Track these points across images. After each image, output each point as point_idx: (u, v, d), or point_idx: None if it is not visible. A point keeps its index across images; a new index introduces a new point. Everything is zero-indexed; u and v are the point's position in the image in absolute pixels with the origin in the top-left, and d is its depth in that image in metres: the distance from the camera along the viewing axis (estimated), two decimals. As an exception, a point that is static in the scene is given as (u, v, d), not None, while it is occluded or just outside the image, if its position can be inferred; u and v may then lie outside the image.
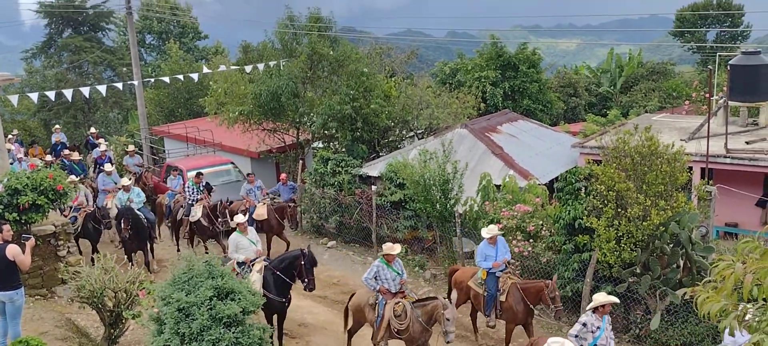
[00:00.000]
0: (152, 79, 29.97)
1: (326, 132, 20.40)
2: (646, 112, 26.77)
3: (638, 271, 11.38)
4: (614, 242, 11.21)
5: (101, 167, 19.37)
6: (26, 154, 21.67)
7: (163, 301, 4.89)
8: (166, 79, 26.62)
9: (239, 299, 4.94)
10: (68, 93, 22.90)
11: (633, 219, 11.05)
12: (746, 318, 3.98)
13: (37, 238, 11.38)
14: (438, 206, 14.75)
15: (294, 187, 18.29)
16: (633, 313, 11.67)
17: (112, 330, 10.36)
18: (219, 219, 15.38)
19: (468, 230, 14.47)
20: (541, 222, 13.17)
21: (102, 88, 23.53)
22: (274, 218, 15.81)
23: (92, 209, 16.11)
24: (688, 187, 13.50)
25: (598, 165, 12.14)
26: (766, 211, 16.62)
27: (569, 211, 12.29)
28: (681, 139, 17.00)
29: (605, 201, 11.41)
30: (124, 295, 10.05)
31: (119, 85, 26.53)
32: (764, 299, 3.83)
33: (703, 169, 15.68)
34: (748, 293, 3.84)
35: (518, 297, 10.77)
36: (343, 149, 19.64)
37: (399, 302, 10.08)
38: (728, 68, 18.73)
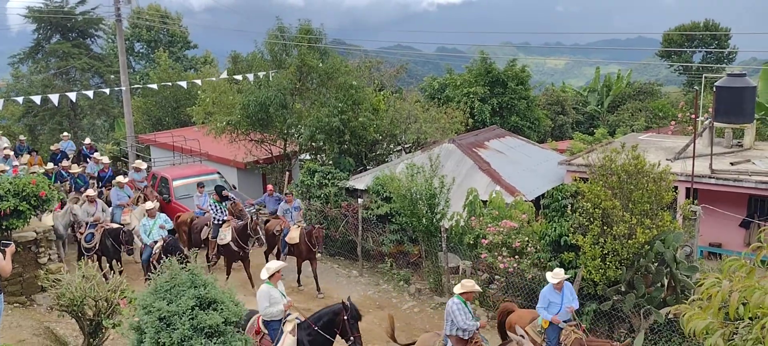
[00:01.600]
0: (140, 87, 29.81)
1: (314, 144, 20.35)
2: (633, 131, 26.98)
3: (623, 289, 11.40)
4: (599, 259, 11.23)
5: (102, 183, 18.48)
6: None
7: (144, 310, 4.80)
8: (154, 86, 26.48)
9: (222, 309, 4.86)
10: (55, 98, 22.68)
11: (618, 237, 11.08)
12: (733, 338, 3.97)
13: (17, 244, 11.22)
14: (424, 220, 14.72)
15: (280, 198, 18.17)
16: (617, 331, 11.67)
17: (91, 340, 10.20)
18: (249, 239, 14.48)
19: (454, 245, 14.44)
20: (526, 239, 13.17)
21: (89, 94, 23.29)
22: (304, 243, 14.62)
23: (110, 224, 15.23)
24: (674, 206, 13.58)
25: (584, 183, 12.18)
26: (749, 231, 16.74)
27: (555, 228, 12.31)
28: (667, 159, 17.12)
29: (591, 219, 11.43)
30: (105, 304, 9.91)
31: (106, 91, 26.35)
32: (750, 318, 3.82)
33: (688, 189, 15.78)
34: (734, 312, 3.84)
35: None
36: (330, 162, 19.59)
37: None
38: (714, 90, 18.92)
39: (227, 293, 5.12)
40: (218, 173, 20.71)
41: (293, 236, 14.78)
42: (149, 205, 14.59)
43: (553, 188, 13.47)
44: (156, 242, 13.57)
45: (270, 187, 18.21)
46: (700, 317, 4.10)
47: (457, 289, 9.23)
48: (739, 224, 16.84)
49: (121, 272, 13.95)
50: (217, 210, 15.18)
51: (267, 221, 15.75)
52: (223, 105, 20.91)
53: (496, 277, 14.19)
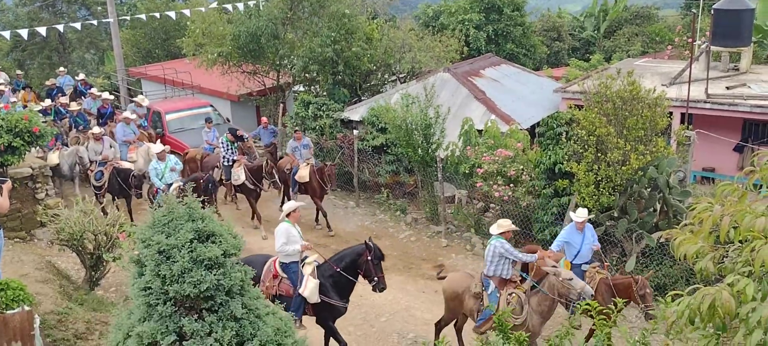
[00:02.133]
0: (128, 18, 29.22)
1: (307, 75, 20.15)
2: (629, 56, 26.75)
3: (616, 215, 11.55)
4: (593, 186, 11.33)
5: (103, 120, 17.89)
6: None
7: (143, 243, 4.84)
8: (143, 16, 25.98)
9: (220, 241, 4.91)
10: (42, 31, 22.23)
11: (612, 164, 11.15)
12: (723, 262, 4.05)
13: (14, 180, 11.22)
14: (420, 150, 14.76)
15: (275, 131, 18.14)
16: (609, 255, 11.88)
17: (93, 272, 10.37)
18: (264, 180, 14.35)
19: (449, 175, 14.52)
20: (521, 167, 13.25)
21: (77, 26, 22.80)
22: (316, 181, 14.42)
23: (120, 163, 14.99)
24: (668, 132, 13.61)
25: (579, 110, 12.16)
26: (743, 156, 16.84)
27: (550, 156, 12.37)
28: (662, 84, 17.07)
29: (585, 146, 11.47)
30: (105, 238, 10.02)
31: (94, 23, 25.85)
32: (740, 242, 3.89)
33: (683, 115, 15.79)
34: (725, 236, 3.90)
35: (608, 295, 8.88)
36: (325, 93, 19.45)
37: (513, 292, 8.74)
38: (712, 12, 18.68)
39: (225, 225, 5.16)
40: (211, 105, 20.58)
41: (303, 174, 14.55)
42: (158, 147, 14.24)
43: (548, 116, 13.46)
44: (170, 185, 13.22)
45: (264, 119, 18.13)
46: (691, 241, 4.17)
47: (495, 229, 9.03)
48: (732, 149, 16.94)
49: (130, 212, 14.13)
50: (228, 149, 14.91)
51: (279, 159, 15.57)
52: (213, 36, 20.57)
53: (492, 205, 14.35)
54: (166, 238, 4.79)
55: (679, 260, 4.30)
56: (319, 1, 19.29)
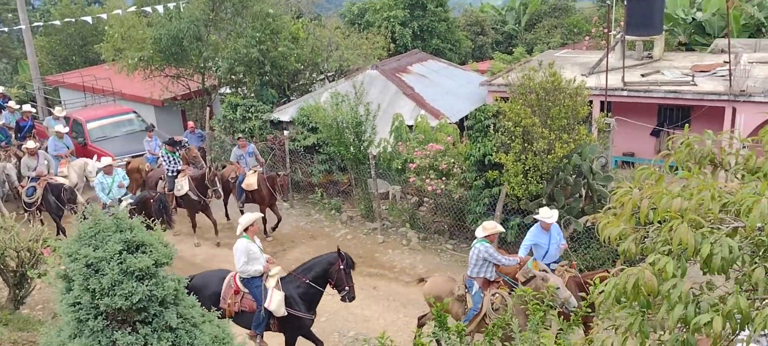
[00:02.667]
0: (41, 25, 27.97)
1: (233, 77, 19.81)
2: (549, 48, 27.58)
3: (544, 202, 11.90)
4: (522, 175, 11.64)
5: (22, 134, 16.96)
6: None
7: (70, 258, 4.67)
8: (57, 22, 24.92)
9: (151, 251, 4.79)
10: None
11: (539, 153, 11.48)
12: (645, 242, 4.24)
13: None
14: (352, 148, 14.78)
15: (202, 135, 17.76)
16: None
17: (17, 291, 9.92)
18: (209, 190, 13.61)
19: (382, 172, 14.61)
20: (452, 160, 13.46)
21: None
22: (266, 189, 13.98)
23: (53, 178, 14.14)
24: (589, 120, 14.13)
25: (505, 102, 12.47)
26: (659, 140, 17.67)
27: (479, 148, 12.62)
28: (582, 74, 17.70)
29: (513, 137, 11.77)
30: (28, 254, 9.60)
31: (5, 30, 24.62)
32: (659, 222, 4.08)
33: (602, 103, 16.42)
34: (645, 217, 4.09)
35: (578, 293, 8.69)
36: (252, 94, 19.18)
37: (496, 293, 8.64)
38: (625, 3, 19.49)
39: (155, 235, 5.03)
40: (134, 112, 19.96)
41: (250, 182, 14.06)
42: (106, 161, 13.29)
43: (475, 109, 13.73)
44: (120, 201, 12.51)
45: (191, 123, 17.71)
46: (614, 224, 4.35)
47: (480, 233, 8.87)
48: (650, 133, 17.74)
49: (60, 229, 13.46)
50: (169, 161, 14.19)
51: (223, 167, 15.00)
52: (133, 40, 19.94)
53: (425, 199, 14.54)
54: (94, 250, 4.64)
55: (605, 242, 4.49)
56: (241, 1, 19.00)
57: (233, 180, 14.39)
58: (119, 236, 4.73)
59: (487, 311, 8.54)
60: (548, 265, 9.29)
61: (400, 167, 14.15)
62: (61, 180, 14.34)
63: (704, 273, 3.83)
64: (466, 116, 15.10)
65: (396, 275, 12.46)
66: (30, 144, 14.69)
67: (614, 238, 4.29)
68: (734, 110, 15.54)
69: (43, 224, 11.57)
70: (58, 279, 4.76)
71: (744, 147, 4.78)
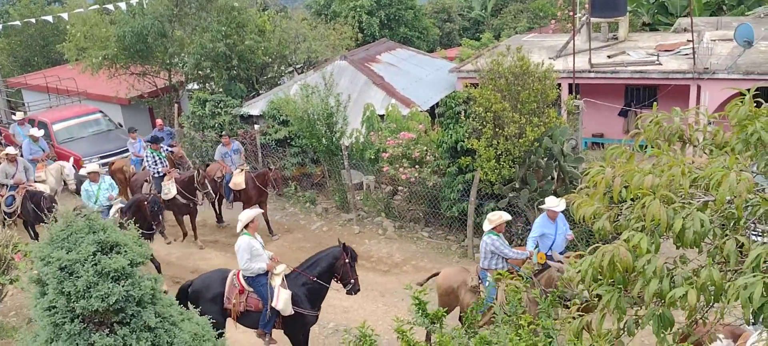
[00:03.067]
0: (0, 26, 27.29)
1: (200, 72, 19.58)
2: (517, 33, 27.77)
3: (517, 186, 12.02)
4: (494, 160, 11.72)
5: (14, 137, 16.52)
6: None
7: (43, 262, 4.59)
8: (17, 23, 24.34)
9: (126, 251, 4.72)
10: None
11: (510, 137, 11.57)
12: (618, 219, 4.32)
13: None
14: (324, 140, 14.73)
15: (172, 132, 17.54)
16: (514, 225, 12.36)
17: (-13, 299, 9.71)
18: (199, 192, 13.09)
19: (356, 162, 14.60)
20: (425, 148, 13.50)
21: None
22: (253, 187, 13.58)
23: (32, 185, 13.55)
24: (558, 103, 14.27)
25: (475, 88, 12.53)
26: (627, 119, 17.94)
27: (451, 135, 12.67)
28: (549, 58, 17.86)
29: (484, 122, 11.85)
30: (-3, 261, 9.40)
31: (-38, 32, 24.00)
32: (632, 200, 4.16)
33: (570, 85, 16.61)
34: (618, 195, 4.16)
35: None
36: (221, 89, 18.97)
37: (510, 283, 8.32)
38: (589, -13, 19.68)
39: (129, 234, 4.97)
40: (101, 111, 19.63)
41: (238, 181, 13.64)
42: (92, 167, 12.50)
43: (446, 96, 13.77)
44: (109, 208, 11.88)
45: (159, 121, 17.47)
46: (588, 203, 4.42)
47: (486, 226, 8.75)
48: (618, 113, 18.00)
49: (37, 237, 12.99)
50: (155, 161, 13.55)
51: (207, 166, 14.56)
52: (96, 38, 19.60)
53: (400, 188, 14.57)
54: (67, 253, 4.56)
55: (579, 222, 4.55)
56: (205, -5, 18.77)
57: (220, 179, 14.01)
58: (92, 236, 4.65)
59: (502, 303, 8.18)
60: (552, 256, 9.04)
61: (373, 157, 14.15)
62: (40, 187, 13.79)
63: (678, 247, 3.91)
64: (437, 104, 15.16)
65: (373, 265, 12.48)
66: (9, 150, 14.04)
67: (588, 217, 4.36)
68: (699, 88, 15.84)
69: (15, 227, 11.25)
70: (31, 283, 4.68)
71: (710, 123, 4.88)
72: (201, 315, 5.58)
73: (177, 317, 5.10)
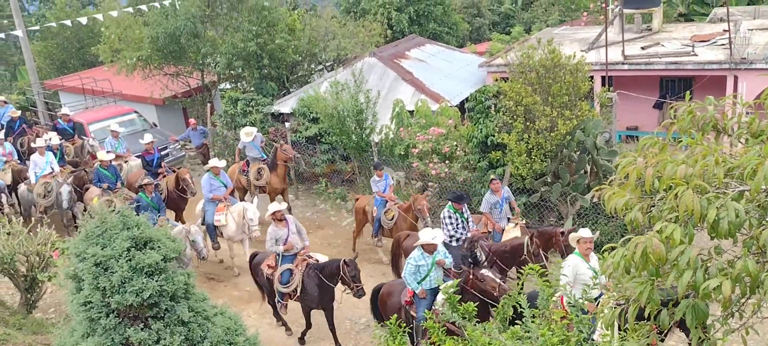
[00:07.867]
0: (37, 30, 27.94)
1: (232, 72, 19.80)
2: (548, 26, 27.45)
3: (549, 180, 11.90)
4: (525, 154, 11.63)
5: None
6: None
7: (78, 258, 4.69)
8: (53, 23, 24.89)
9: (159, 246, 4.80)
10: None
11: (541, 131, 11.46)
12: (651, 210, 4.24)
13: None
14: (354, 137, 14.77)
15: (204, 131, 17.78)
16: (547, 220, 12.25)
17: (28, 295, 9.95)
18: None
19: (385, 158, 14.60)
20: (455, 143, 13.45)
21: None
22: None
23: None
24: (591, 95, 14.09)
25: (505, 82, 12.43)
26: (662, 112, 17.60)
27: (481, 129, 12.60)
28: (581, 50, 17.60)
29: (514, 116, 11.75)
30: (37, 258, 9.63)
31: (2, 36, 24.57)
32: (665, 190, 4.08)
33: (603, 77, 16.35)
34: (650, 186, 4.09)
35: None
36: (252, 88, 19.17)
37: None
38: (622, -23, 19.36)
39: (162, 230, 5.05)
40: (136, 112, 19.97)
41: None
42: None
43: (475, 91, 13.69)
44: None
45: (192, 120, 17.74)
46: (619, 195, 4.35)
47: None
48: (653, 106, 17.67)
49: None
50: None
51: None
52: (130, 40, 19.93)
53: (430, 183, 14.52)
54: (102, 249, 4.66)
55: (611, 214, 4.48)
56: (236, -5, 18.96)
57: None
58: (126, 233, 4.75)
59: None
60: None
61: (402, 153, 14.14)
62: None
63: (712, 238, 3.83)
64: (467, 98, 15.06)
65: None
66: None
67: (620, 208, 4.29)
68: (736, 78, 15.46)
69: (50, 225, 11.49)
70: (68, 279, 4.79)
71: (747, 114, 4.76)
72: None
73: (210, 312, 5.18)
